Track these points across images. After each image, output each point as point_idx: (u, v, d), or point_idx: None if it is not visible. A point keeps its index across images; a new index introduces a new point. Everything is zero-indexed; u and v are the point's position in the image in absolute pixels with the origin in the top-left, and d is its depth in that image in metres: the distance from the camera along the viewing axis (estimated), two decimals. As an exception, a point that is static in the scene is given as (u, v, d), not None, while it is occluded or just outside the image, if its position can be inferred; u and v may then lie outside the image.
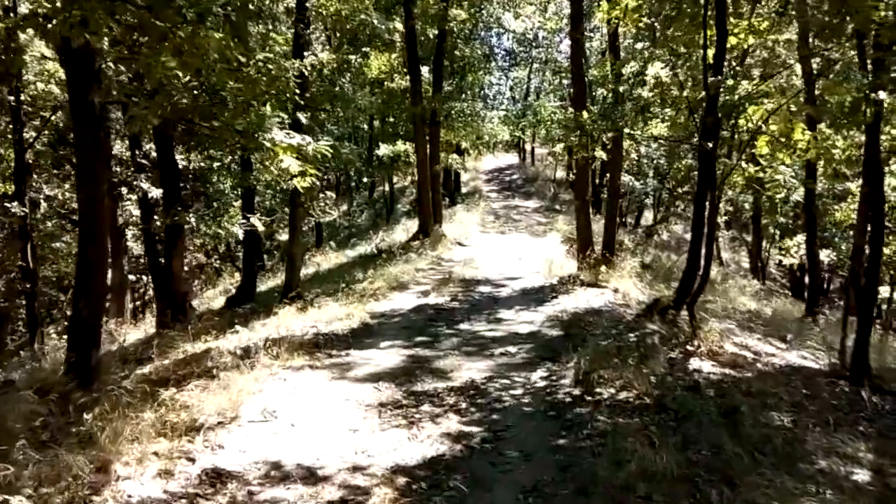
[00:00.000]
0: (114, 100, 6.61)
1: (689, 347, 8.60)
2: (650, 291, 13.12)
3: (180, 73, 5.61)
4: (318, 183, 7.72)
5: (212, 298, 19.50)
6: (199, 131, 8.19)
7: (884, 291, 18.64)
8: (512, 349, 8.61)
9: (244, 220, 11.69)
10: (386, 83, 23.81)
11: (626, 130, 12.40)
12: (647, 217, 30.20)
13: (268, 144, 6.41)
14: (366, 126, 28.33)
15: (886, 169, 11.34)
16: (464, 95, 24.71)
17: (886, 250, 19.43)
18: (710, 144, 8.82)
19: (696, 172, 20.41)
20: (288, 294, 12.33)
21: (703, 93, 8.48)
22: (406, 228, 22.13)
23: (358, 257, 19.55)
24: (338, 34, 22.41)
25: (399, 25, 19.47)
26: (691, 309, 9.12)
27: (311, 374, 7.48)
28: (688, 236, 28.53)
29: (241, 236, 13.55)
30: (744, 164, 9.91)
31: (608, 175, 17.69)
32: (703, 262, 9.03)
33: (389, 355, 8.37)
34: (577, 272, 13.60)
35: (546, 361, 7.93)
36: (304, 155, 6.75)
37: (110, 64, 7.10)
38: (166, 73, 5.46)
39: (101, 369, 7.10)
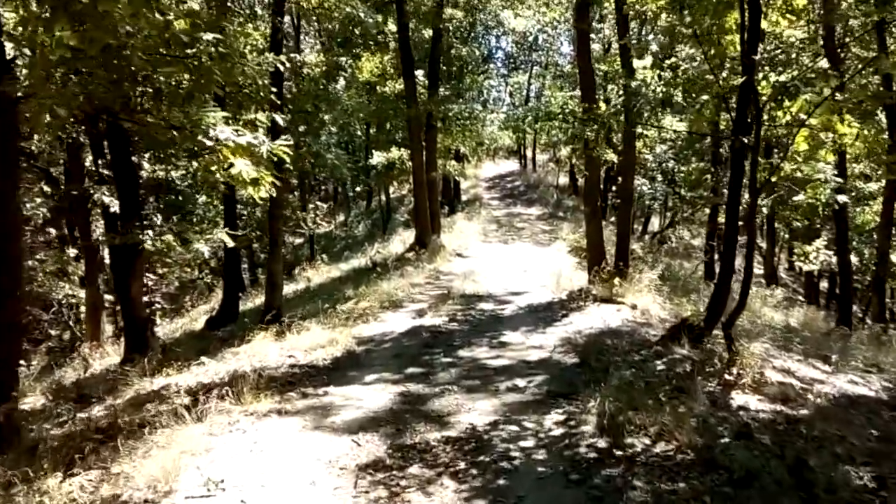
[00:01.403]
0: (29, 92, 5.33)
1: (727, 377, 7.30)
2: (670, 306, 11.85)
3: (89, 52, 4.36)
4: (273, 193, 6.37)
5: (195, 318, 18.20)
6: (128, 128, 6.94)
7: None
8: (520, 382, 7.31)
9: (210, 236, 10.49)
10: (378, 87, 22.61)
11: (639, 130, 11.16)
12: (654, 223, 28.93)
13: (209, 143, 5.11)
14: (360, 133, 27.07)
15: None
16: (461, 99, 23.44)
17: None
18: (746, 140, 7.59)
19: (708, 176, 19.30)
20: (265, 316, 11.01)
21: (740, 78, 7.20)
22: (403, 240, 20.89)
23: (351, 271, 18.31)
24: (328, 38, 21.28)
25: (392, 25, 18.28)
26: (728, 331, 7.81)
27: (279, 422, 6.18)
28: (696, 242, 27.51)
29: (206, 254, 12.25)
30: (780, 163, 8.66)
31: (619, 179, 16.45)
32: (743, 277, 7.74)
33: (375, 393, 7.08)
34: (589, 286, 12.35)
35: (561, 399, 6.63)
36: (257, 157, 5.44)
37: (26, 52, 5.87)
38: (66, 52, 4.20)
39: (17, 426, 5.81)
